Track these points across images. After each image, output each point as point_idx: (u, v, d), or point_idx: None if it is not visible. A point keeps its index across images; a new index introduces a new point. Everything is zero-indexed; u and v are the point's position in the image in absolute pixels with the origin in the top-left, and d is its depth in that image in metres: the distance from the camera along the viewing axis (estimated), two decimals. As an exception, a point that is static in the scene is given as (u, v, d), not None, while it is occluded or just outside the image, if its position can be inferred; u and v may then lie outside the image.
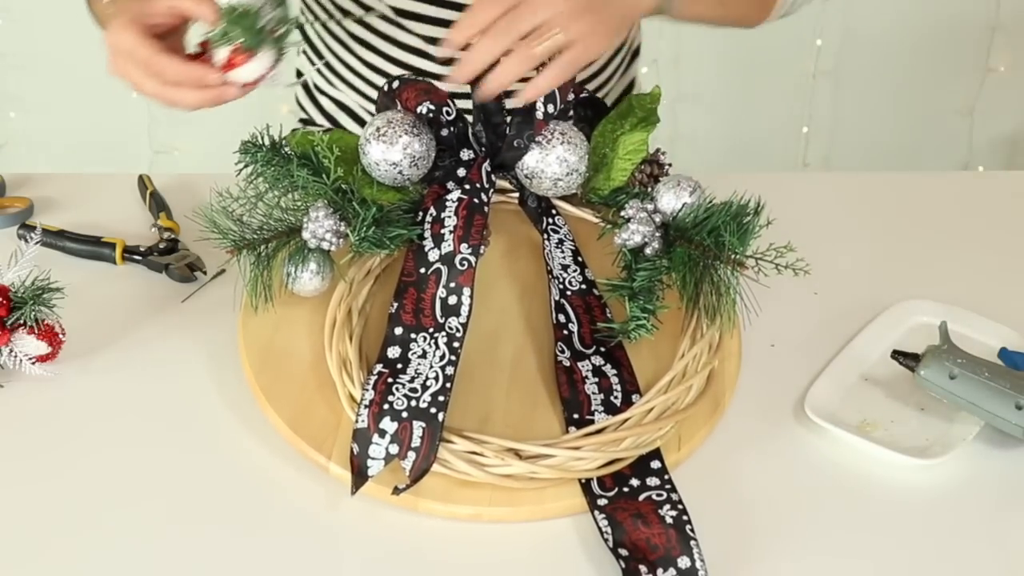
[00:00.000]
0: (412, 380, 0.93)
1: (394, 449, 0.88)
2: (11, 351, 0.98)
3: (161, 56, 0.96)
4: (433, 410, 0.90)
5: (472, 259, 0.98)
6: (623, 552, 0.85)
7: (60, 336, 1.00)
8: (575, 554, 0.87)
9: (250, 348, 1.00)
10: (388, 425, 0.89)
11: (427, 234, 1.00)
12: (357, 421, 0.90)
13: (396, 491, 0.87)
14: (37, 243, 1.02)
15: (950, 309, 1.07)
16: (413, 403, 0.90)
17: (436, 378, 0.93)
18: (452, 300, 0.97)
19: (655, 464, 0.92)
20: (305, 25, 1.41)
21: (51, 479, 0.92)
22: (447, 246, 0.98)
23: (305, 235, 0.99)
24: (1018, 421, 0.94)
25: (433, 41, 1.27)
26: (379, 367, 0.94)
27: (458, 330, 0.96)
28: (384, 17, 1.27)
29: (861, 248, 1.18)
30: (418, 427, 0.89)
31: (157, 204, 1.19)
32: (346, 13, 1.31)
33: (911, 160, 2.52)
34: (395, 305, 0.98)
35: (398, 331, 0.97)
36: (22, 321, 0.98)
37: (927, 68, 2.43)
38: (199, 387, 1.00)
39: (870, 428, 0.97)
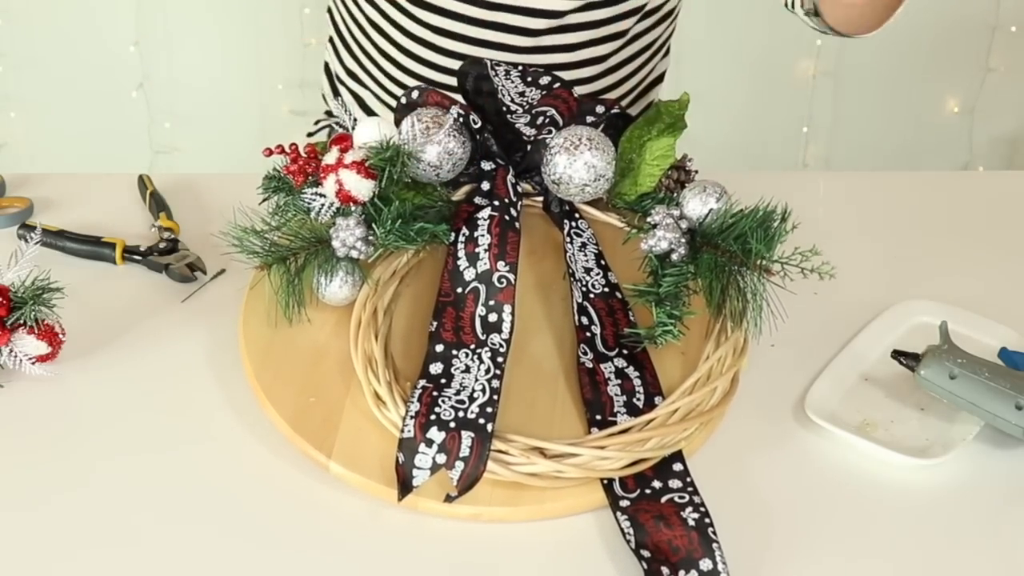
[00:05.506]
0: (458, 392, 0.93)
1: (441, 459, 0.88)
2: (11, 351, 0.98)
3: None
4: (482, 421, 0.90)
5: (511, 276, 0.99)
6: (645, 553, 0.85)
7: (60, 336, 1.00)
8: (573, 555, 0.87)
9: (250, 347, 1.00)
10: (435, 435, 0.89)
11: (461, 254, 1.01)
12: (403, 431, 0.90)
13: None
14: (37, 243, 1.02)
15: (950, 309, 1.07)
16: (461, 414, 0.91)
17: (483, 390, 0.93)
18: (492, 317, 0.98)
19: (677, 466, 0.92)
20: (333, 11, 1.42)
21: (51, 479, 0.92)
22: (483, 264, 0.99)
23: (335, 244, 1.00)
24: (1018, 421, 0.94)
25: (441, 32, 1.27)
26: (422, 382, 0.94)
27: (501, 345, 0.96)
28: (397, 5, 1.28)
29: (861, 248, 1.18)
30: (467, 437, 0.89)
31: (157, 204, 1.19)
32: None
33: (911, 160, 2.52)
34: (434, 324, 0.98)
35: (439, 348, 0.97)
36: (22, 321, 0.98)
37: (927, 68, 2.43)
38: (199, 387, 1.00)
39: (870, 428, 0.97)
